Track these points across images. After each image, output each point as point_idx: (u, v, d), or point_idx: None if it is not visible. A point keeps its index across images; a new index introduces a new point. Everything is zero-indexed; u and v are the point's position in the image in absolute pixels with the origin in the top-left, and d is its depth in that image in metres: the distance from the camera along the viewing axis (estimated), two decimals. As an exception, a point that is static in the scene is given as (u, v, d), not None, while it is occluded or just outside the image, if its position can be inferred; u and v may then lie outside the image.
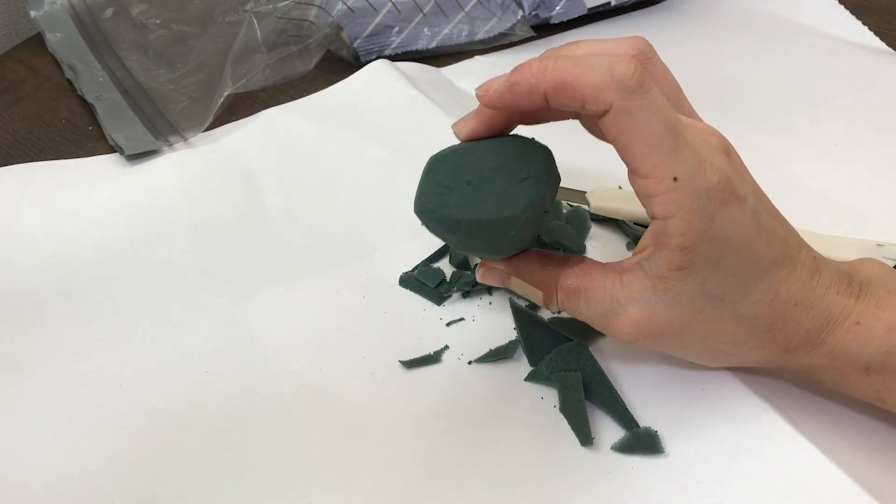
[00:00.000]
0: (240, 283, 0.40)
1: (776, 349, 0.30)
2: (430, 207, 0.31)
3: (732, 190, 0.27)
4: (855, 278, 0.30)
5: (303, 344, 0.37)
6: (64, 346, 0.37)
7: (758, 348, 0.30)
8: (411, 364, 0.36)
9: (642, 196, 0.28)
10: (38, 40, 0.61)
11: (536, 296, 0.32)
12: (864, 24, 0.60)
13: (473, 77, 0.56)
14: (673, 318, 0.28)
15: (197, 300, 0.39)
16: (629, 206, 0.42)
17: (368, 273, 0.40)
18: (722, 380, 0.34)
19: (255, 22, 0.56)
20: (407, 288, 0.40)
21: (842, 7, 0.62)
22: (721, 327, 0.29)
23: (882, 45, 0.58)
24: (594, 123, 0.31)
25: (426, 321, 0.38)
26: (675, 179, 0.27)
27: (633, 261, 0.29)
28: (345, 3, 0.57)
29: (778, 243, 0.29)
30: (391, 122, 0.50)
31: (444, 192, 0.30)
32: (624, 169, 0.28)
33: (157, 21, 0.60)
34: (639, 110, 0.26)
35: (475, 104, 0.53)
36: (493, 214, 0.29)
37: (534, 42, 0.61)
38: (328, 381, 0.35)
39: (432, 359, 0.36)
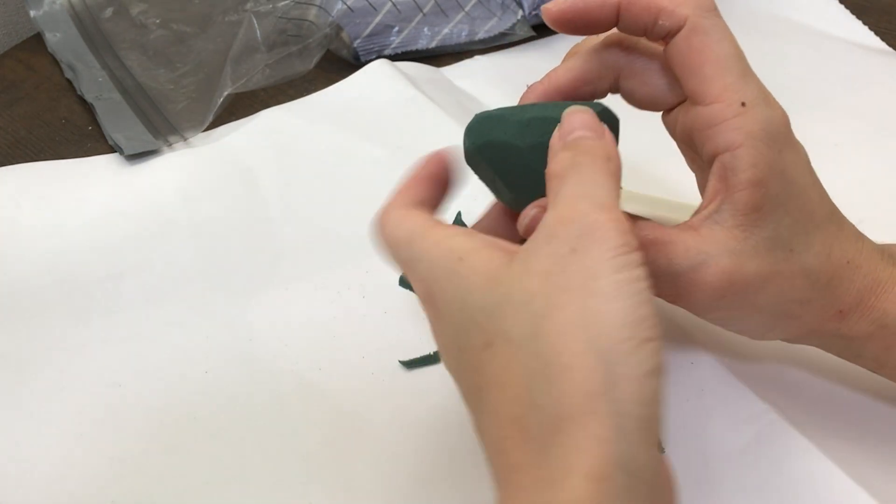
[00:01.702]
0: (240, 283, 0.40)
1: (832, 311, 0.29)
2: (490, 113, 0.29)
3: (791, 132, 0.27)
4: (894, 254, 0.30)
5: (303, 344, 0.37)
6: (64, 346, 0.37)
7: (818, 308, 0.29)
8: (411, 364, 0.36)
9: (705, 128, 0.27)
10: (37, 40, 0.61)
11: None
12: (864, 23, 0.60)
13: (473, 77, 0.56)
14: (757, 269, 0.27)
15: (197, 300, 0.39)
16: (630, 206, 0.41)
17: (368, 273, 0.40)
18: (722, 380, 0.34)
19: (254, 22, 0.56)
20: (407, 288, 0.40)
21: (842, 7, 0.62)
22: (792, 282, 0.28)
23: (882, 44, 0.58)
24: (642, 79, 0.30)
25: (426, 321, 0.38)
26: (744, 105, 0.26)
27: (701, 217, 0.28)
28: (345, 3, 0.57)
29: (827, 199, 0.29)
30: (391, 122, 0.50)
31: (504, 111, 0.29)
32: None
33: (157, 21, 0.60)
34: (713, 29, 0.27)
35: (475, 104, 0.53)
36: (562, 107, 0.27)
37: (534, 42, 0.60)
38: (328, 381, 0.35)
39: (432, 359, 0.36)
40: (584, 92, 0.31)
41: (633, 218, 0.29)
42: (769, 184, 0.26)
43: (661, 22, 0.27)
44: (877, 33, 0.59)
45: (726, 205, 0.27)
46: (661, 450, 0.32)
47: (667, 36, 0.27)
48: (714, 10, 0.27)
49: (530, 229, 0.27)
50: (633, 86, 0.31)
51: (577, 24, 0.29)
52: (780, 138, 0.27)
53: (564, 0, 0.28)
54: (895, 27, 0.60)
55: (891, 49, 0.58)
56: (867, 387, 0.34)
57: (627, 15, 0.28)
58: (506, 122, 0.28)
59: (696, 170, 0.32)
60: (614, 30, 0.29)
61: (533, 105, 0.29)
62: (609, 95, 0.32)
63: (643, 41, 0.30)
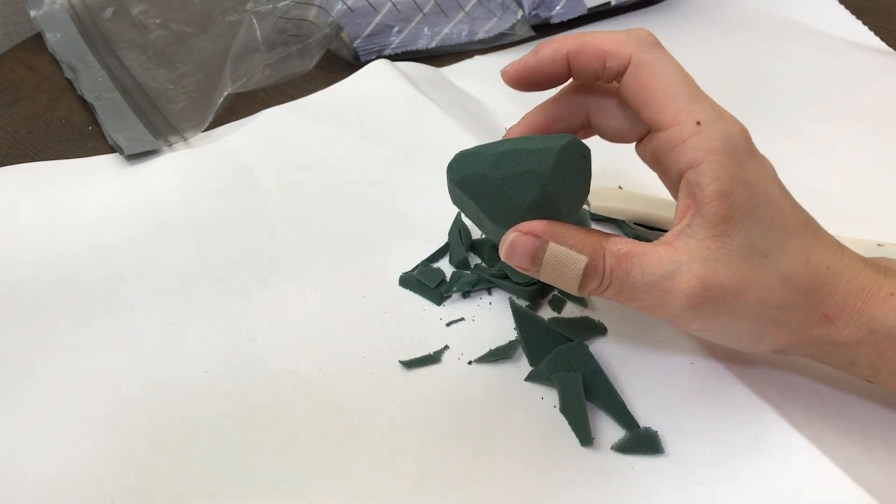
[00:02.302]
0: (239, 283, 0.40)
1: (818, 316, 0.29)
2: (468, 150, 0.31)
3: (751, 145, 0.28)
4: (877, 263, 0.30)
5: (303, 344, 0.37)
6: (64, 346, 0.37)
7: (803, 313, 0.29)
8: (411, 364, 0.36)
9: (668, 151, 0.28)
10: (37, 40, 0.61)
11: (576, 265, 0.29)
12: (864, 23, 0.60)
13: (473, 77, 0.56)
14: (731, 276, 0.28)
15: (197, 300, 0.39)
16: (629, 206, 0.42)
17: (368, 273, 0.40)
18: (722, 380, 0.34)
19: (254, 21, 0.56)
20: (407, 288, 0.40)
21: (842, 7, 0.62)
22: (771, 287, 0.28)
23: (882, 45, 0.58)
24: (609, 115, 0.32)
25: (426, 321, 0.38)
26: (699, 123, 0.28)
27: (674, 233, 0.29)
28: (345, 3, 0.57)
29: (800, 210, 0.29)
30: (391, 122, 0.50)
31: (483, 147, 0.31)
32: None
33: (157, 21, 0.60)
34: (658, 62, 0.28)
35: (475, 104, 0.53)
36: (539, 140, 0.30)
37: (534, 42, 0.61)
38: (328, 381, 0.35)
39: (432, 359, 0.36)
40: (557, 129, 0.33)
41: (605, 234, 0.30)
42: (735, 194, 0.27)
43: (608, 64, 0.29)
44: (877, 33, 0.59)
45: (697, 219, 0.28)
46: (661, 451, 0.32)
47: (617, 76, 0.29)
48: (656, 45, 0.29)
49: (509, 253, 0.29)
50: (601, 121, 0.32)
51: (535, 81, 0.31)
52: (739, 150, 0.28)
53: (518, 61, 0.31)
54: (895, 27, 0.60)
55: (891, 49, 0.58)
56: (867, 387, 0.34)
57: (577, 64, 0.30)
58: (481, 156, 0.30)
59: (674, 195, 0.32)
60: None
61: (506, 140, 0.31)
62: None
63: None
